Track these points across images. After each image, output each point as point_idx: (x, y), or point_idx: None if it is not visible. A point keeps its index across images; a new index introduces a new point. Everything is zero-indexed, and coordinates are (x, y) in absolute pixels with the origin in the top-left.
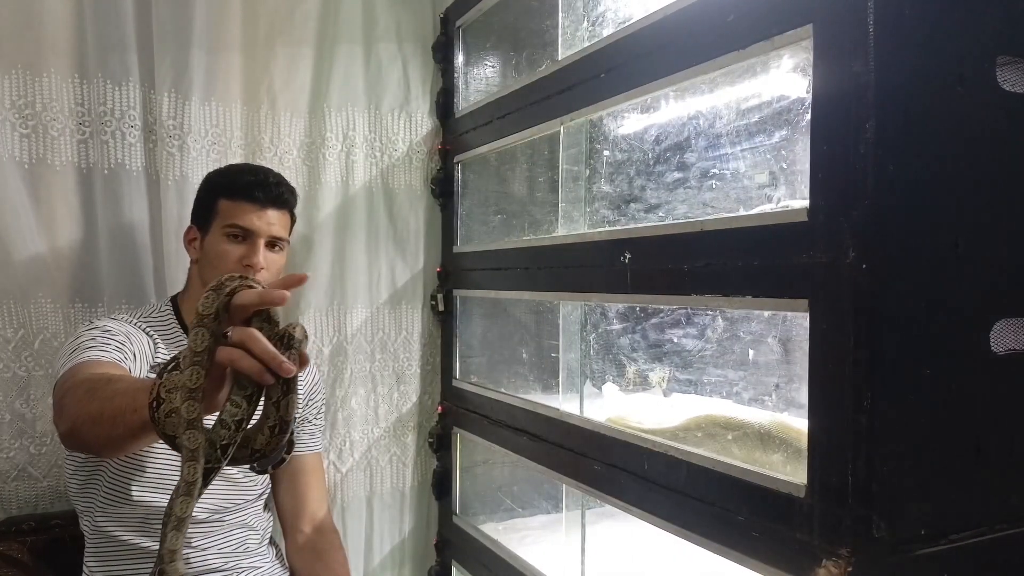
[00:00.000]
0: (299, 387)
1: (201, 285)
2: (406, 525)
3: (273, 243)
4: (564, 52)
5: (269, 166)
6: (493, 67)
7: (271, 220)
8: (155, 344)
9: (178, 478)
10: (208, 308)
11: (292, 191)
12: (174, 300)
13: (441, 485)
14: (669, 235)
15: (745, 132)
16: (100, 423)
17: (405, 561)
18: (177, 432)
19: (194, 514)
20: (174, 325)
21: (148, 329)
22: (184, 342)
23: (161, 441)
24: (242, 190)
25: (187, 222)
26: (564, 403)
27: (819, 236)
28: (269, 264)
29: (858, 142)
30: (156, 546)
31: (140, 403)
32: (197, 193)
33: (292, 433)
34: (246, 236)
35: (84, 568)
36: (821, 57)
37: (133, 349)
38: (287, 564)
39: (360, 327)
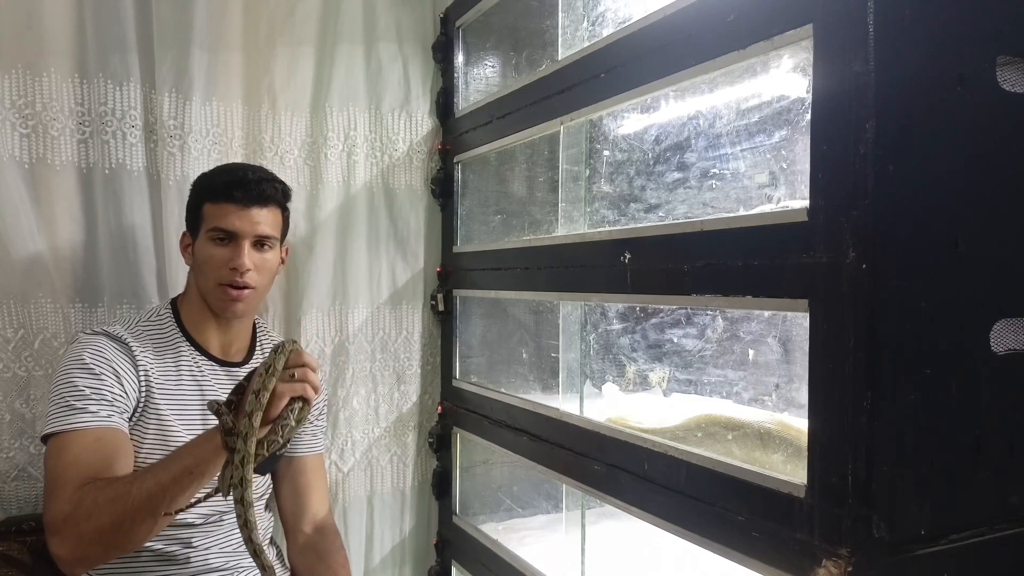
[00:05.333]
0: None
1: (196, 290)
2: (406, 525)
3: (261, 242)
4: (564, 52)
5: (269, 165)
6: (493, 67)
7: (255, 219)
8: (138, 363)
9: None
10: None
11: (277, 187)
12: (174, 304)
13: (441, 485)
14: (669, 235)
15: (745, 132)
16: (158, 497)
17: (406, 561)
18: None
19: (192, 520)
20: (172, 330)
21: (137, 343)
22: (184, 347)
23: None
24: (222, 191)
25: None
26: (564, 403)
27: (819, 236)
28: (258, 265)
29: (858, 142)
30: (153, 545)
31: (204, 450)
32: (187, 199)
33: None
34: (231, 238)
35: None
36: (821, 57)
37: (124, 388)
38: (288, 564)
39: (361, 327)
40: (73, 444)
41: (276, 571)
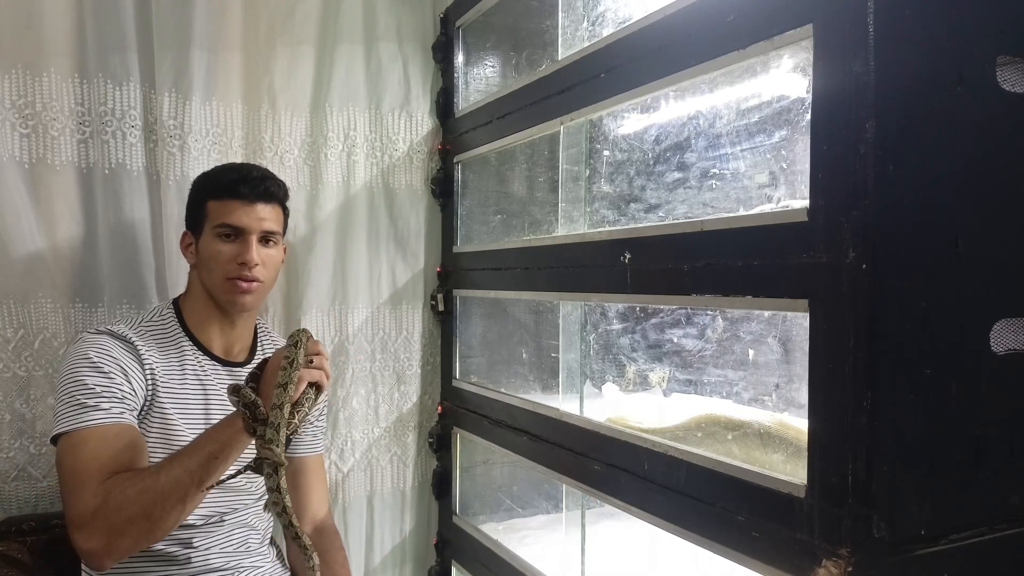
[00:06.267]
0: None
1: (202, 289)
2: (407, 525)
3: (267, 238)
4: (564, 52)
5: (269, 165)
6: (493, 67)
7: (261, 215)
8: (144, 361)
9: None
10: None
11: (280, 185)
12: (176, 303)
13: (441, 485)
14: (669, 235)
15: (745, 132)
16: (182, 485)
17: (406, 561)
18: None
19: (191, 520)
20: (175, 330)
21: (141, 341)
22: (186, 346)
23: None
24: (228, 188)
25: None
26: (564, 403)
27: (819, 236)
28: (265, 260)
29: (858, 142)
30: (153, 546)
31: (226, 435)
32: (188, 198)
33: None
34: (238, 234)
35: (83, 568)
36: (821, 57)
37: (132, 386)
38: (288, 564)
39: (361, 327)
40: (90, 440)
41: (314, 557)
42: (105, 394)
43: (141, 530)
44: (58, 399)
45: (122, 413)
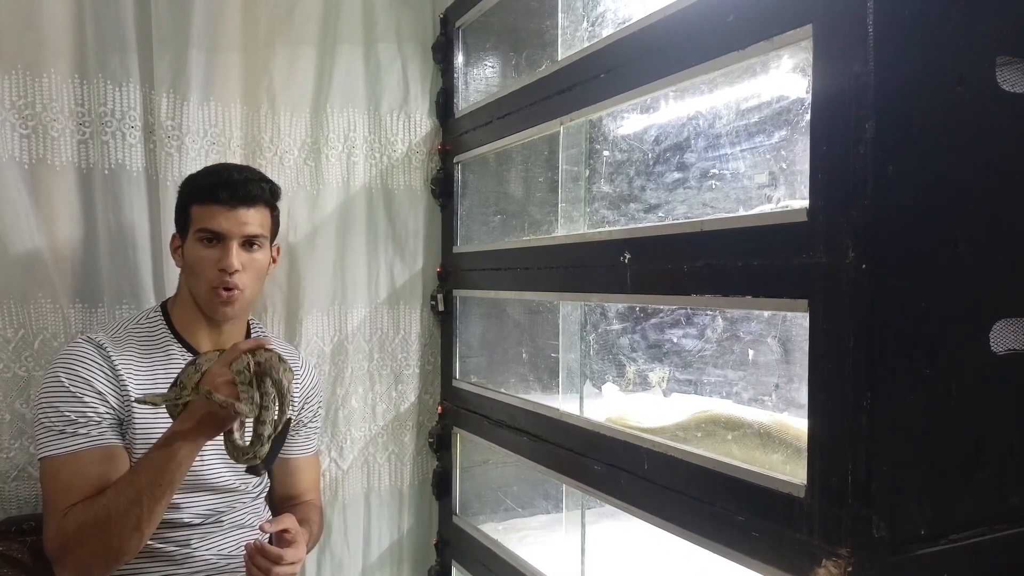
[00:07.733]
0: (294, 391)
1: (188, 293)
2: (404, 523)
3: (250, 242)
4: (564, 52)
5: (269, 166)
6: (493, 67)
7: (243, 220)
8: (117, 372)
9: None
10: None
11: (265, 186)
12: (164, 307)
13: (441, 485)
14: (669, 235)
15: (745, 132)
16: (146, 494)
17: (403, 559)
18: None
19: (188, 520)
20: (163, 333)
21: (119, 351)
22: (174, 349)
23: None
24: (208, 193)
25: None
26: (564, 403)
27: (819, 236)
28: (247, 265)
29: (858, 142)
30: (151, 544)
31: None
32: (176, 201)
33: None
34: (219, 239)
35: None
36: (821, 57)
37: (109, 403)
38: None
39: (359, 326)
40: (64, 469)
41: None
42: (81, 419)
43: (107, 560)
44: (36, 420)
45: (102, 435)
